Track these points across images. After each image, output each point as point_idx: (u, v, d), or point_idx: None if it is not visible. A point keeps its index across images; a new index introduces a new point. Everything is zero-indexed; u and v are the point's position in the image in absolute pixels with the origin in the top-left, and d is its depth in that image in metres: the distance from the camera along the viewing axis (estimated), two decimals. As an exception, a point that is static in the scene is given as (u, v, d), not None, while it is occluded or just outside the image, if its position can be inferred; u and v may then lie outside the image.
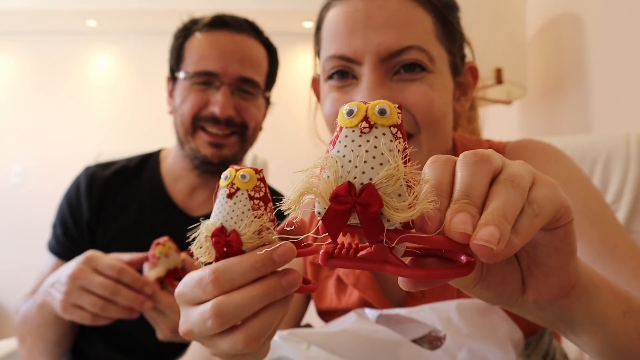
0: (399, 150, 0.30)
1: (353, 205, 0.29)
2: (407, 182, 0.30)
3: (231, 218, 0.37)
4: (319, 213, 0.30)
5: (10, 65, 3.58)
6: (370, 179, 0.29)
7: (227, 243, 0.37)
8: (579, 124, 1.65)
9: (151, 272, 0.76)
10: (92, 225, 1.04)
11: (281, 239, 0.38)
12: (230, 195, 0.38)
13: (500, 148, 0.73)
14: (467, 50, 0.75)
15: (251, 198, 0.38)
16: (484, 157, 0.33)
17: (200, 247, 0.39)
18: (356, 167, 0.30)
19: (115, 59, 3.64)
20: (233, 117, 1.01)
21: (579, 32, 1.65)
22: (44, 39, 3.58)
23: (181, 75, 1.03)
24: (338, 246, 0.35)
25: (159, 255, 0.75)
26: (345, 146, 0.30)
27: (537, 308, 0.38)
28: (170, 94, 1.08)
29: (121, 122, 3.55)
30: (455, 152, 0.74)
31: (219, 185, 0.39)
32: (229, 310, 0.36)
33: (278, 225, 0.40)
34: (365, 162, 0.30)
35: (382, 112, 0.30)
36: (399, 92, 0.64)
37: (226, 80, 1.00)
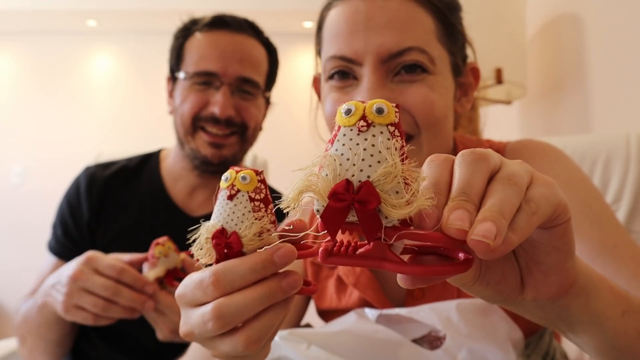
0: (396, 148, 0.30)
1: (351, 202, 0.30)
2: (404, 179, 0.30)
3: (232, 220, 0.37)
4: (317, 211, 0.31)
5: (10, 65, 3.58)
6: (368, 177, 0.30)
7: (227, 245, 0.37)
8: (579, 124, 1.65)
9: (150, 272, 0.76)
10: (92, 225, 1.04)
11: (281, 238, 0.38)
12: (230, 197, 0.38)
13: (501, 148, 0.73)
14: (468, 51, 0.75)
15: (252, 200, 0.38)
16: (482, 156, 0.33)
17: (201, 249, 0.39)
18: (354, 165, 0.30)
19: (115, 59, 3.64)
20: (233, 117, 1.01)
21: (579, 32, 1.65)
22: (44, 39, 3.58)
23: (181, 75, 1.03)
24: (337, 244, 0.35)
25: (159, 255, 0.75)
26: (344, 145, 0.31)
27: (537, 306, 0.38)
28: (170, 94, 1.08)
29: (121, 122, 3.55)
30: (455, 152, 0.74)
31: (219, 186, 0.39)
32: (229, 312, 0.36)
33: (278, 226, 0.40)
34: (363, 160, 0.30)
35: (379, 111, 0.31)
36: (400, 94, 0.64)
37: (226, 81, 1.00)
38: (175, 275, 0.77)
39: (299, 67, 3.55)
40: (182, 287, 0.39)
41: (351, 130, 0.31)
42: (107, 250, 0.84)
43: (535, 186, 0.32)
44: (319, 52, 0.75)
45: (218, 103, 0.99)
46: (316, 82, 0.79)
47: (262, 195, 0.38)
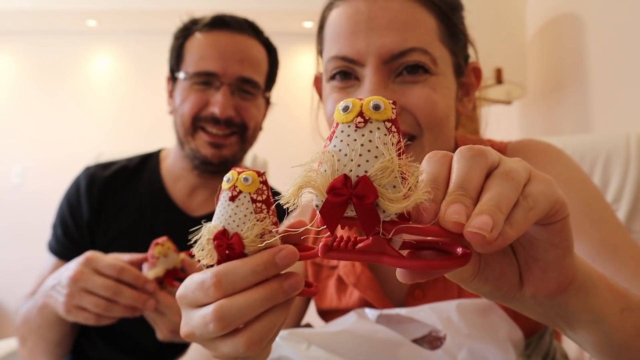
0: (393, 144, 0.31)
1: (349, 197, 0.30)
2: (401, 174, 0.30)
3: (233, 221, 0.37)
4: (317, 206, 0.31)
5: (10, 65, 3.58)
6: (366, 172, 0.30)
7: (229, 246, 0.37)
8: (579, 124, 1.65)
9: (150, 272, 0.76)
10: (92, 225, 1.04)
11: (283, 238, 0.38)
12: (232, 198, 0.38)
13: (502, 148, 0.73)
14: (470, 51, 0.75)
15: (253, 201, 0.38)
16: (480, 152, 0.33)
17: (202, 250, 0.39)
18: (352, 160, 0.31)
19: (115, 59, 3.64)
20: (233, 117, 1.01)
21: (579, 32, 1.65)
22: (44, 39, 3.58)
23: (181, 75, 1.03)
24: (337, 239, 0.35)
25: (158, 255, 0.75)
26: (342, 141, 0.31)
27: (535, 303, 0.38)
28: (170, 94, 1.08)
29: (121, 122, 3.55)
30: (456, 151, 0.74)
31: (221, 187, 0.39)
32: (230, 314, 0.36)
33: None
34: (360, 155, 0.31)
35: (376, 107, 0.31)
36: (402, 94, 0.64)
37: (226, 81, 1.00)
38: (174, 275, 0.77)
39: (299, 67, 3.55)
40: (183, 288, 0.39)
41: (349, 126, 0.31)
42: (107, 250, 0.84)
43: (533, 183, 0.33)
44: (320, 52, 0.74)
45: (218, 103, 0.99)
46: (317, 82, 0.79)
47: (264, 197, 0.38)
